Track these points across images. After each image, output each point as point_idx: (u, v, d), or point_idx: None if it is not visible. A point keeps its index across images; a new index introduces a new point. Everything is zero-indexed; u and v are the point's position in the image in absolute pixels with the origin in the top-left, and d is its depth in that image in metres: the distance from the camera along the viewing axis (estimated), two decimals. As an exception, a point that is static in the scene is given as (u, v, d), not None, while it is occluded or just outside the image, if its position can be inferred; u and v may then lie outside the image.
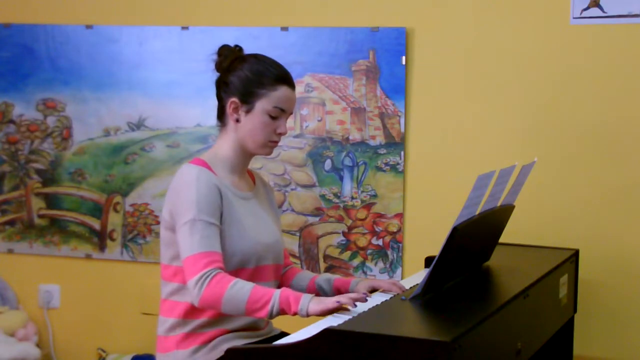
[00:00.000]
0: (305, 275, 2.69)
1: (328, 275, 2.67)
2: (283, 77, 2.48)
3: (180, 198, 2.38)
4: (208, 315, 2.42)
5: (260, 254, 2.47)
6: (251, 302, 2.27)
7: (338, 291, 2.61)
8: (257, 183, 2.63)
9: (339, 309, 2.23)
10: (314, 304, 2.23)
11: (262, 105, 2.46)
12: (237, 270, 2.42)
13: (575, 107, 3.30)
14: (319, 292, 2.64)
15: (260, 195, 2.61)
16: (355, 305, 2.24)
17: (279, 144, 2.58)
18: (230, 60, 2.51)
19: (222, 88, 2.50)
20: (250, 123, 2.47)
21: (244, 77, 2.46)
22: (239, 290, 2.27)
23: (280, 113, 2.48)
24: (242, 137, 2.49)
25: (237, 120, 2.48)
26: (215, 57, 2.55)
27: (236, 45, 2.56)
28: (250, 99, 2.46)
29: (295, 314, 2.25)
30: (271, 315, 2.27)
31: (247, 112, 2.47)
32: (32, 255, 3.97)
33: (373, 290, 2.57)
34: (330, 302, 2.23)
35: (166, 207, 2.44)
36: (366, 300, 2.28)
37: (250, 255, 2.45)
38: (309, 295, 2.27)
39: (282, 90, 2.47)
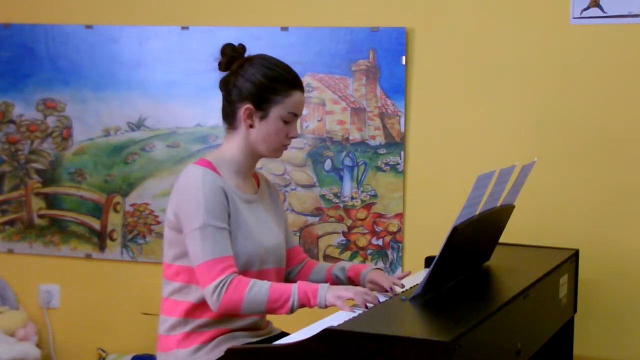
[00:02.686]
0: (322, 268, 2.72)
1: (343, 263, 2.70)
2: (296, 82, 2.50)
3: (188, 201, 2.38)
4: (209, 315, 2.43)
5: (263, 257, 2.48)
6: (271, 302, 2.32)
7: (351, 280, 2.65)
8: (261, 185, 2.63)
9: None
10: (330, 296, 2.30)
11: (277, 111, 2.46)
12: (241, 272, 2.42)
13: (575, 107, 3.30)
14: (336, 282, 2.68)
15: (264, 197, 2.60)
16: (367, 307, 2.27)
17: None
18: (239, 62, 2.51)
19: (233, 92, 2.49)
20: (264, 129, 2.47)
21: (258, 82, 2.45)
22: (258, 292, 2.31)
23: (293, 118, 2.49)
24: (254, 142, 2.49)
25: (251, 126, 2.48)
26: (219, 57, 2.55)
27: (240, 44, 2.55)
28: (265, 105, 2.46)
29: (314, 305, 2.32)
30: (292, 311, 2.33)
31: (262, 118, 2.47)
32: (32, 255, 3.97)
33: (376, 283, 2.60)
34: (344, 294, 2.29)
35: (170, 207, 2.44)
36: (379, 302, 2.30)
37: (254, 258, 2.45)
38: (325, 286, 2.32)
39: (296, 96, 2.49)
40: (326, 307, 2.31)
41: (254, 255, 2.45)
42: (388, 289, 2.49)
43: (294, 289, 2.32)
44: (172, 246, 2.46)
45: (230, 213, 2.41)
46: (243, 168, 2.52)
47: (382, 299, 2.36)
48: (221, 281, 2.31)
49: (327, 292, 2.30)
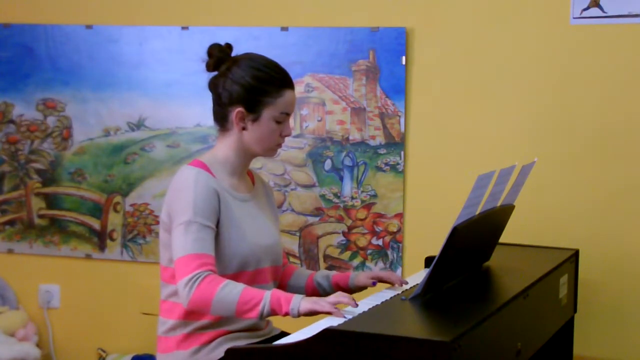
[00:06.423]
0: (302, 273, 2.70)
1: (325, 271, 2.68)
2: (286, 81, 2.48)
3: (178, 199, 2.38)
4: (208, 317, 2.42)
5: (259, 257, 2.47)
6: (241, 304, 2.26)
7: (337, 286, 2.62)
8: (256, 184, 2.62)
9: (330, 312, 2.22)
10: (306, 303, 2.22)
11: (270, 112, 2.45)
12: (237, 273, 2.41)
13: (575, 107, 3.30)
14: (318, 289, 2.65)
15: (259, 196, 2.60)
16: (345, 317, 2.19)
17: None
18: (227, 64, 2.49)
19: (223, 95, 2.48)
20: (257, 131, 2.46)
21: (248, 85, 2.44)
22: (230, 292, 2.26)
23: (285, 117, 2.48)
24: (248, 143, 2.48)
25: (244, 128, 2.47)
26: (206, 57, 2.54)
27: (226, 44, 2.54)
28: (256, 107, 2.45)
29: (286, 314, 2.24)
30: (261, 316, 2.27)
31: (254, 120, 2.46)
32: (32, 255, 3.97)
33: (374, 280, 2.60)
34: (323, 305, 2.21)
35: (164, 209, 2.44)
36: (356, 306, 2.24)
37: (250, 257, 2.44)
38: (300, 295, 2.26)
39: (287, 95, 2.47)
40: (299, 315, 2.23)
41: (249, 254, 2.44)
42: (398, 283, 2.54)
43: (267, 294, 2.26)
44: (168, 249, 2.44)
45: (222, 214, 2.40)
46: (237, 168, 2.52)
47: (383, 298, 2.36)
48: (195, 275, 2.27)
49: (302, 300, 2.23)
